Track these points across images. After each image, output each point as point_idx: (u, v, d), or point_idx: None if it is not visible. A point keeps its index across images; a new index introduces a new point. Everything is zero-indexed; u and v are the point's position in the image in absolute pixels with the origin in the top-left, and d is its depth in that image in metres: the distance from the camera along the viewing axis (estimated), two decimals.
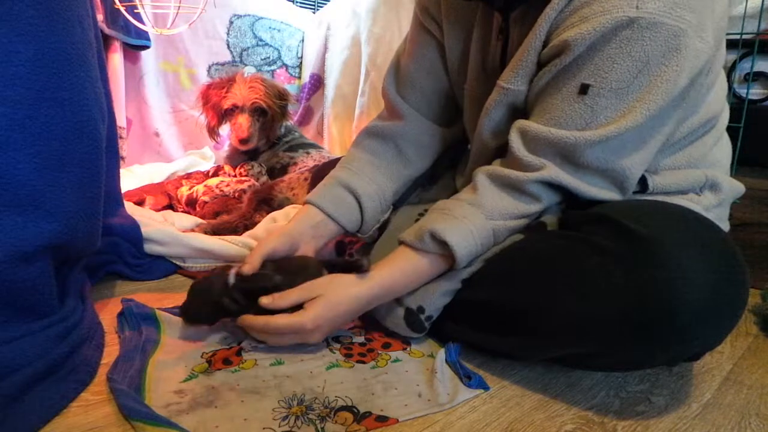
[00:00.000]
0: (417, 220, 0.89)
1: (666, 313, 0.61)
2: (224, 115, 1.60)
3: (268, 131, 1.62)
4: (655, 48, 0.66)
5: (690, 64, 0.67)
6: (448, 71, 0.94)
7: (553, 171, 0.72)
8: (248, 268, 0.78)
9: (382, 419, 0.63)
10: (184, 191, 1.47)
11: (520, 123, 0.76)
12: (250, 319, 0.75)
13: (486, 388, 0.71)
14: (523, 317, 0.71)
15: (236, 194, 1.44)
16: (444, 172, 1.04)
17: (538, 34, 0.73)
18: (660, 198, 0.77)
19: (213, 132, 1.64)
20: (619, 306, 0.63)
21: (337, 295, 0.74)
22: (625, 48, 0.67)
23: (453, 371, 0.74)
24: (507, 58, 0.83)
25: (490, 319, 0.76)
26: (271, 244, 0.83)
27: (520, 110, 0.80)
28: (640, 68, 0.67)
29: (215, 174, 1.59)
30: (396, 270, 0.77)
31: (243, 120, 1.55)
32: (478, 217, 0.74)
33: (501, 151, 0.82)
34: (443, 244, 0.73)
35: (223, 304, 0.76)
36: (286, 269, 0.79)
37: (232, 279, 0.77)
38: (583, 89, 0.69)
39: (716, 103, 0.81)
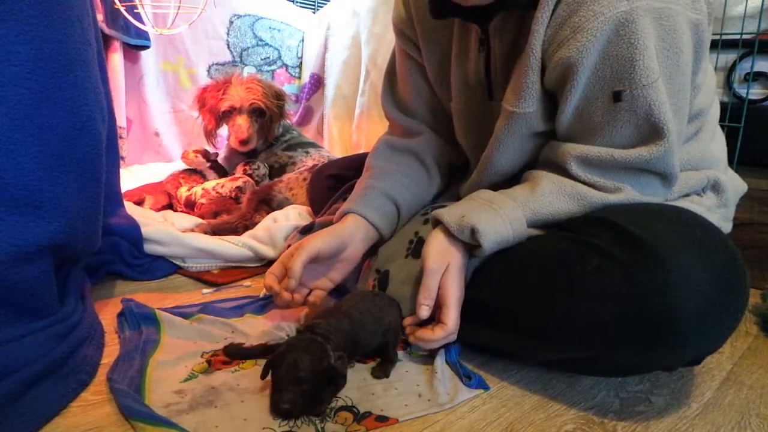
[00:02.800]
0: (425, 221, 0.89)
1: (665, 315, 0.61)
2: (222, 117, 1.59)
3: (266, 132, 1.61)
4: (660, 32, 0.66)
5: (694, 35, 0.69)
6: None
7: (630, 194, 0.71)
8: (293, 276, 0.75)
9: (382, 419, 0.63)
10: (183, 192, 1.47)
11: (576, 150, 0.72)
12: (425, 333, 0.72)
13: (486, 388, 0.71)
14: (522, 317, 0.71)
15: (232, 193, 1.44)
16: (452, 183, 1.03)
17: (533, 53, 0.71)
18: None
19: (210, 135, 1.63)
20: (618, 308, 0.63)
21: (451, 292, 0.72)
22: (634, 42, 0.65)
23: (453, 371, 0.74)
24: (492, 69, 0.82)
25: (490, 317, 0.75)
26: (316, 244, 0.78)
27: (534, 132, 0.78)
28: (654, 55, 0.66)
29: None
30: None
31: (242, 121, 1.55)
32: (522, 227, 0.72)
33: (523, 170, 0.81)
34: (478, 244, 0.72)
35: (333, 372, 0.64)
36: (368, 310, 0.74)
37: (333, 361, 0.64)
38: (617, 96, 0.68)
39: (705, 95, 0.81)
